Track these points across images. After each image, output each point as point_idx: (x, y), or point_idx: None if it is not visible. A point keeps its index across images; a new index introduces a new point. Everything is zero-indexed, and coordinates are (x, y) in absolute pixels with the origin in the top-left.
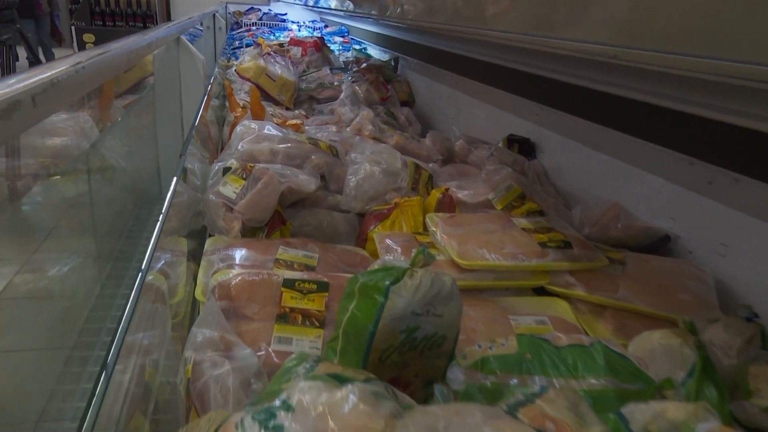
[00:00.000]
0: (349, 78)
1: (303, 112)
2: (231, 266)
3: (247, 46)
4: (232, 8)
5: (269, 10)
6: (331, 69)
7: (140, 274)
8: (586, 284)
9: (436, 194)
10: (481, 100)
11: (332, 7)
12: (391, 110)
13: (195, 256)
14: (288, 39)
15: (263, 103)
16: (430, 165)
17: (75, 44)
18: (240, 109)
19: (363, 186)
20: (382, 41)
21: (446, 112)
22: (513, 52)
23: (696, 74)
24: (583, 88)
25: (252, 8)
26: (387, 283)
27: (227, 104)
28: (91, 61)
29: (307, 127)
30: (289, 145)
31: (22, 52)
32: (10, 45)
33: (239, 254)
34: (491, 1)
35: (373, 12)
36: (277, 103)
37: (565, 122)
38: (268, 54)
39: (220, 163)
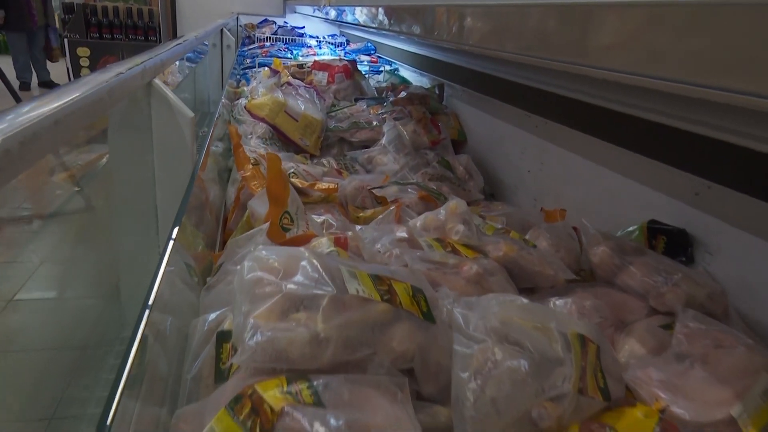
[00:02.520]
0: (389, 113)
1: (334, 164)
2: None
3: (260, 66)
4: (243, 20)
5: (285, 22)
6: (366, 102)
7: None
8: None
9: (648, 426)
10: (582, 156)
11: (360, 22)
12: (445, 158)
13: None
14: (308, 58)
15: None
16: (568, 304)
17: (68, 59)
18: (250, 168)
19: (490, 394)
20: (420, 63)
21: (516, 162)
22: (646, 97)
23: None
24: None
25: (266, 20)
26: None
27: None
28: None
29: (359, 231)
30: (346, 317)
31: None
32: None
33: None
34: (608, 31)
35: (415, 29)
36: (298, 148)
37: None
38: (289, 83)
39: (211, 317)
